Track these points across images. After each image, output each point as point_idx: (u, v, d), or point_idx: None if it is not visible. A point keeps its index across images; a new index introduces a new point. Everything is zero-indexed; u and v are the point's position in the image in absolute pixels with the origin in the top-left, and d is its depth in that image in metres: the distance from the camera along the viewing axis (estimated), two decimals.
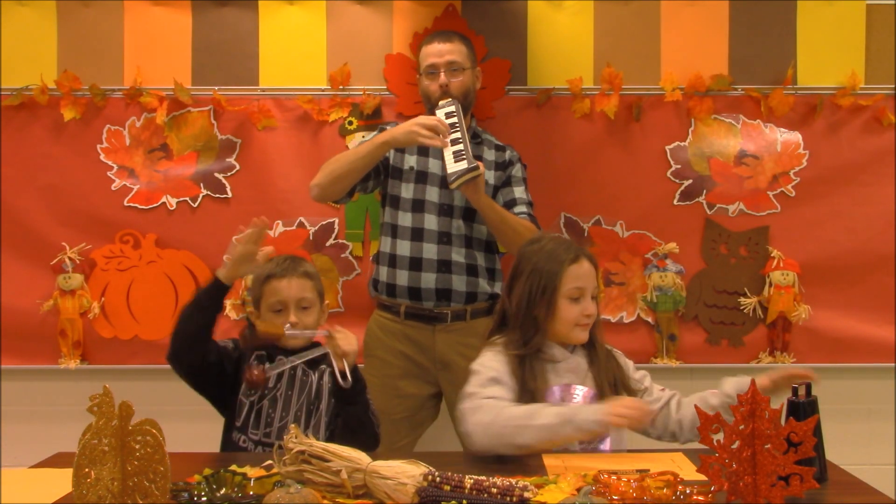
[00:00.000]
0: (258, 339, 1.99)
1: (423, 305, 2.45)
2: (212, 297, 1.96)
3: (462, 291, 2.45)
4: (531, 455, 1.74)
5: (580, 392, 1.89)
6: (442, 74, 2.47)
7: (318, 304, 2.09)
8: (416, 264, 2.44)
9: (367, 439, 2.00)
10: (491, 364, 1.87)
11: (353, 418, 1.99)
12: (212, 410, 2.09)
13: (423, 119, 2.35)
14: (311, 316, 2.05)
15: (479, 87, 2.63)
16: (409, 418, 2.49)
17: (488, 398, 1.79)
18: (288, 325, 2.00)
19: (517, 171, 2.59)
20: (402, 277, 2.45)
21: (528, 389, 1.84)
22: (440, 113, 2.40)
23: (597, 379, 1.91)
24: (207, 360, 1.98)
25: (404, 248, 2.46)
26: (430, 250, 2.44)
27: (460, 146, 2.31)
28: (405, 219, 2.47)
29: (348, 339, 1.95)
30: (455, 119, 2.37)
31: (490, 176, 2.53)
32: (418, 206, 2.47)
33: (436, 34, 2.59)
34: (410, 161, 2.51)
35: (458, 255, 2.46)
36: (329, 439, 2.02)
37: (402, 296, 2.46)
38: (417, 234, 2.46)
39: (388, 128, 2.57)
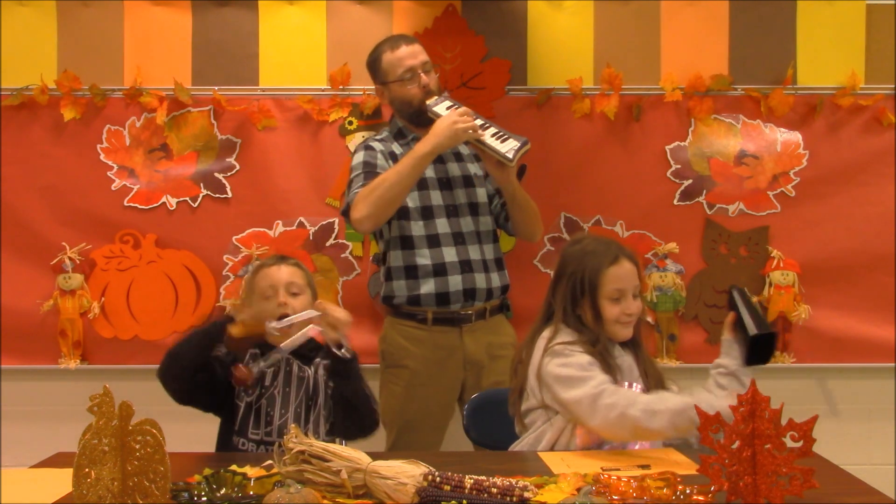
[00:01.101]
0: (240, 342, 1.98)
1: (451, 309, 2.41)
2: (222, 333, 1.96)
3: (484, 288, 2.42)
4: (531, 455, 1.75)
5: (636, 389, 1.89)
6: (422, 75, 2.39)
7: (307, 293, 2.08)
8: (440, 270, 2.39)
9: (367, 414, 2.00)
10: (582, 358, 1.86)
11: (350, 392, 1.98)
12: None
13: (458, 116, 2.26)
14: (300, 301, 2.05)
15: None
16: (440, 426, 2.47)
17: (609, 384, 1.79)
18: (271, 321, 1.98)
19: None
20: (428, 286, 2.39)
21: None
22: (440, 108, 2.35)
23: (643, 378, 1.93)
24: (198, 382, 1.97)
25: (424, 256, 2.40)
26: (450, 253, 2.40)
27: (494, 128, 2.29)
28: (417, 228, 2.41)
29: (341, 310, 1.98)
30: (462, 108, 2.32)
31: (477, 167, 2.52)
32: (427, 212, 2.42)
33: (397, 39, 2.46)
34: None
35: (474, 253, 2.43)
36: (330, 431, 2.03)
37: (429, 303, 2.40)
38: (434, 241, 2.41)
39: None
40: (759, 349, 1.80)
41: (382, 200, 2.28)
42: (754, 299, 1.77)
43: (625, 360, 1.94)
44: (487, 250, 2.47)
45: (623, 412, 1.72)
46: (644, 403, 1.73)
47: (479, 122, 2.30)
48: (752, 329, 1.79)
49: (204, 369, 1.97)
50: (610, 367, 1.87)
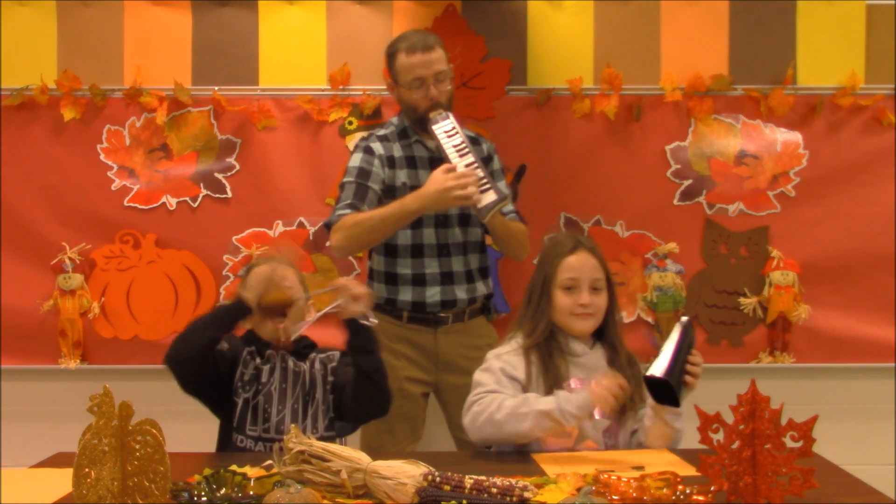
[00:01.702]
0: (270, 310, 2.00)
1: (427, 311, 2.42)
2: (232, 316, 1.99)
3: (465, 299, 2.43)
4: (531, 455, 1.75)
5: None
6: (432, 87, 2.34)
7: (300, 289, 2.10)
8: (419, 280, 2.40)
9: (386, 390, 2.00)
10: (505, 358, 1.93)
11: (371, 367, 1.98)
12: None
13: (454, 182, 2.18)
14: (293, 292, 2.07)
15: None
16: (412, 420, 2.47)
17: (489, 391, 1.85)
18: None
19: (496, 163, 2.53)
20: (405, 293, 2.41)
21: (544, 382, 1.89)
22: (438, 131, 2.30)
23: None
24: (204, 369, 1.98)
25: (405, 265, 2.40)
26: (431, 265, 2.40)
27: (481, 171, 2.22)
28: (404, 236, 2.40)
29: (358, 284, 1.98)
30: (458, 137, 2.28)
31: None
32: (416, 221, 2.38)
33: (416, 43, 2.36)
34: (401, 177, 2.41)
35: (457, 265, 2.43)
36: (330, 425, 2.05)
37: (405, 308, 2.42)
38: (417, 251, 2.41)
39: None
40: (658, 390, 1.77)
41: (360, 240, 2.32)
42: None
43: (591, 357, 1.95)
44: (473, 260, 2.47)
45: (489, 418, 1.79)
46: (510, 408, 1.78)
47: (468, 159, 2.24)
48: (646, 370, 1.78)
49: (209, 361, 1.98)
50: (549, 368, 1.90)
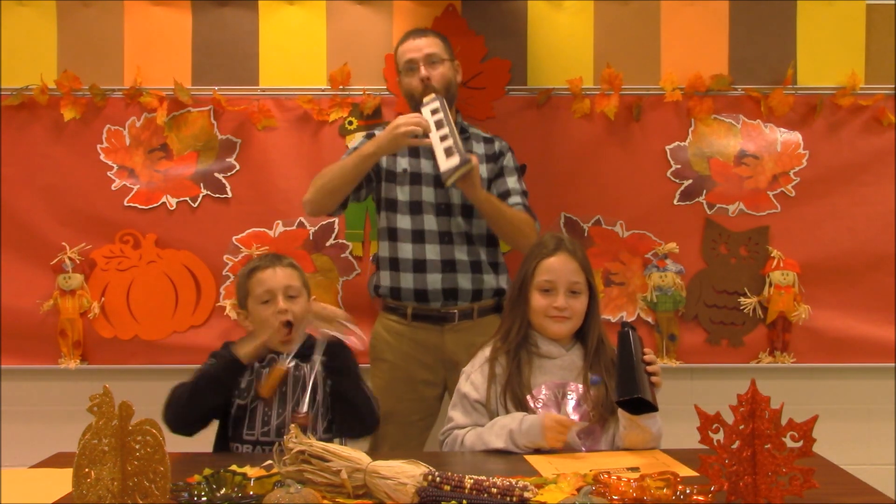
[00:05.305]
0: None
1: (431, 306, 2.42)
2: (231, 378, 1.99)
3: (468, 289, 2.43)
4: (528, 456, 1.76)
5: (572, 391, 1.92)
6: (422, 68, 2.43)
7: (304, 295, 2.08)
8: (420, 266, 2.41)
9: (367, 413, 2.00)
10: (472, 379, 1.96)
11: (347, 390, 1.98)
12: None
13: (404, 119, 2.29)
14: (298, 304, 2.04)
15: (459, 82, 2.58)
16: (418, 422, 2.47)
17: (455, 427, 1.91)
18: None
19: (508, 160, 2.55)
20: (407, 280, 2.42)
21: (511, 391, 1.90)
22: (425, 111, 2.35)
23: (585, 382, 1.94)
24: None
25: (406, 250, 2.43)
26: (432, 251, 2.42)
27: (449, 142, 2.27)
28: (404, 221, 2.44)
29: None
30: (440, 115, 2.33)
31: (483, 169, 2.49)
32: (416, 207, 2.45)
33: (409, 32, 2.54)
34: (403, 163, 2.48)
35: (461, 254, 2.44)
36: (328, 429, 2.04)
37: (408, 298, 2.43)
38: (418, 236, 2.43)
39: (377, 132, 2.54)
40: (632, 405, 1.75)
41: (324, 189, 2.40)
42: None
43: (566, 358, 1.95)
44: (481, 252, 2.47)
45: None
46: (468, 448, 1.85)
47: (443, 132, 2.28)
48: (612, 394, 1.80)
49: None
50: (517, 377, 1.90)
